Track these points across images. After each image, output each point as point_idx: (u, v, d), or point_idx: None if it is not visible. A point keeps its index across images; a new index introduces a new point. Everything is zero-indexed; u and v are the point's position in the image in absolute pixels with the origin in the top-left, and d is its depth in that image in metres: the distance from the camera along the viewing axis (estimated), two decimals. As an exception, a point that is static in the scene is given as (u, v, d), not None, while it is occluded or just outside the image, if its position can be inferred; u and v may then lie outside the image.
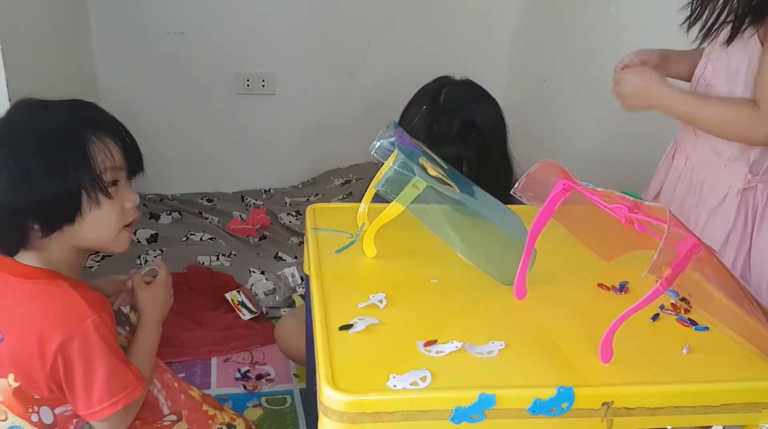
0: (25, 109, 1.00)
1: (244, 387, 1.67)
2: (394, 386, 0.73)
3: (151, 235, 2.31)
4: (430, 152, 1.06)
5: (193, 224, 2.44)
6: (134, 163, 1.04)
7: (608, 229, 0.90)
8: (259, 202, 2.66)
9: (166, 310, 1.17)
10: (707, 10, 1.17)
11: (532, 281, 0.95)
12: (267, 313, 1.96)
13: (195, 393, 1.25)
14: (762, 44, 1.10)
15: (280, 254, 2.27)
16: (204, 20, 2.56)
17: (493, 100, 1.45)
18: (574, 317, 0.91)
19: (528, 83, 2.69)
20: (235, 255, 2.24)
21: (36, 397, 1.00)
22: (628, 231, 0.82)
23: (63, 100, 1.02)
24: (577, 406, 0.75)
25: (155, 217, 2.47)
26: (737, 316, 0.84)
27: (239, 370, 1.73)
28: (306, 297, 1.30)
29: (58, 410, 1.02)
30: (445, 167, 1.05)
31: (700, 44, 1.22)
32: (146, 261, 2.16)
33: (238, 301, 1.93)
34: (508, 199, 1.06)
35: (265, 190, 2.79)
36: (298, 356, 1.62)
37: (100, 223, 1.00)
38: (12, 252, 1.00)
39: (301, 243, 2.32)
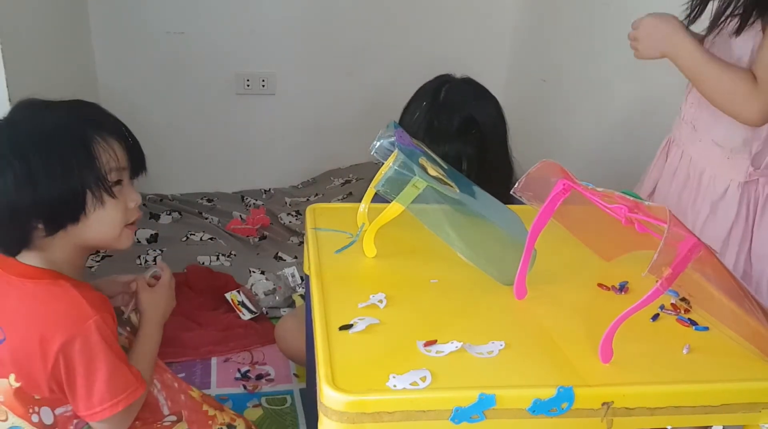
0: (27, 109, 1.00)
1: (244, 387, 1.67)
2: (394, 386, 0.73)
3: (151, 235, 2.31)
4: (430, 152, 1.06)
5: (193, 224, 2.44)
6: (137, 163, 1.05)
7: (608, 229, 0.90)
8: (259, 202, 2.66)
9: (168, 313, 1.18)
10: (713, 4, 1.17)
11: (532, 281, 0.95)
12: (267, 313, 1.96)
13: (195, 393, 1.25)
14: (763, 31, 1.11)
15: (280, 254, 2.27)
16: (204, 20, 2.56)
17: (494, 98, 1.45)
18: (574, 317, 0.91)
19: (528, 83, 2.69)
20: (235, 255, 2.24)
21: (37, 397, 1.00)
22: (628, 231, 0.82)
23: (65, 101, 1.02)
24: (577, 406, 0.75)
25: (155, 217, 2.46)
26: (737, 316, 0.84)
27: (239, 370, 1.73)
28: (306, 297, 1.29)
29: (59, 411, 1.02)
30: (445, 167, 1.05)
31: (705, 36, 1.22)
32: (146, 261, 2.16)
33: (238, 301, 1.93)
34: (508, 199, 1.06)
35: (265, 190, 2.78)
36: (298, 356, 1.62)
37: (104, 223, 1.00)
38: (14, 252, 1.01)
39: (301, 243, 2.32)
